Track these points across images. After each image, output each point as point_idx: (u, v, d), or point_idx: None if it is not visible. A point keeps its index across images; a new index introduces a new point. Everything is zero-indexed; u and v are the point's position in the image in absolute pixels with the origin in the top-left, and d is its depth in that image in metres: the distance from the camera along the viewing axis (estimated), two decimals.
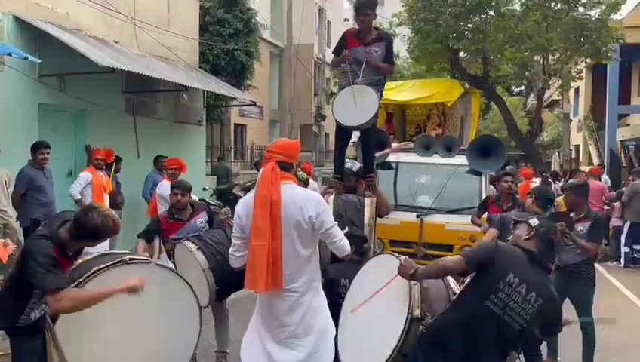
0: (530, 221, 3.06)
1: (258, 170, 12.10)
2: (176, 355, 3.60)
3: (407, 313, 3.01)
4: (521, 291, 2.79)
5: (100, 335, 3.22)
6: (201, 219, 4.67)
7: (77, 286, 3.07)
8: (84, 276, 3.13)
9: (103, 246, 5.95)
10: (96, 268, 3.18)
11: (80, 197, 6.86)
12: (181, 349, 3.63)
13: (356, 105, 4.46)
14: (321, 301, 3.22)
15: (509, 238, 3.15)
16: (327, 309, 3.25)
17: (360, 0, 4.55)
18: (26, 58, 6.28)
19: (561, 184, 11.54)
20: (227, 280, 4.16)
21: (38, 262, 2.77)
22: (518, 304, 2.79)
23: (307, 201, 3.02)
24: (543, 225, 3.02)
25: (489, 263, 2.86)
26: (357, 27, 4.73)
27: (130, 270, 3.28)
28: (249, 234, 3.04)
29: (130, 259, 3.37)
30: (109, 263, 3.24)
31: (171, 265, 4.54)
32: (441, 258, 3.20)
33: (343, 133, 4.82)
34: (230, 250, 3.24)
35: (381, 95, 4.75)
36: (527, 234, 2.99)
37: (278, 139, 3.24)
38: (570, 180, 6.05)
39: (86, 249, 3.29)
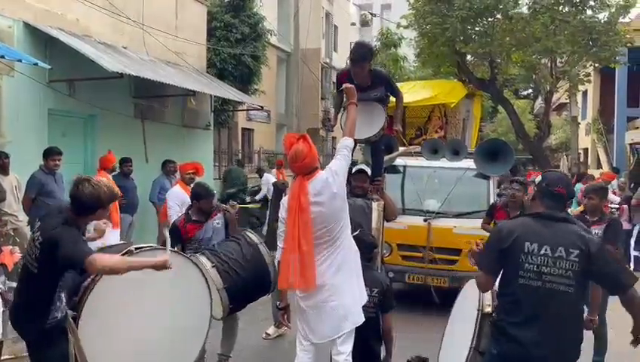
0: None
1: (261, 177, 12.20)
2: (190, 333, 3.69)
3: (478, 310, 3.05)
4: (547, 253, 2.69)
5: (119, 330, 3.28)
6: (217, 220, 4.70)
7: (89, 283, 3.11)
8: (95, 274, 3.11)
9: (115, 238, 6.03)
10: None
11: None
12: (196, 326, 3.73)
13: (364, 120, 4.44)
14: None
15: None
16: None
17: (358, 52, 4.46)
18: (36, 64, 6.34)
19: None
20: (241, 297, 4.27)
21: (67, 241, 2.78)
22: (551, 266, 2.67)
23: (327, 176, 3.29)
24: (542, 180, 2.96)
25: (500, 250, 2.78)
26: (349, 68, 4.61)
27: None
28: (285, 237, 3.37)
29: (136, 249, 3.43)
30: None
31: None
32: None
33: None
34: (278, 230, 3.62)
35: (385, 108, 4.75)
36: (532, 197, 2.96)
37: (296, 154, 3.27)
38: (590, 184, 5.95)
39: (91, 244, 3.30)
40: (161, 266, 2.97)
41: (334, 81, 24.88)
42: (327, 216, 3.23)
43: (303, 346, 3.42)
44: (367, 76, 4.53)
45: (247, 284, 4.23)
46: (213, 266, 4.13)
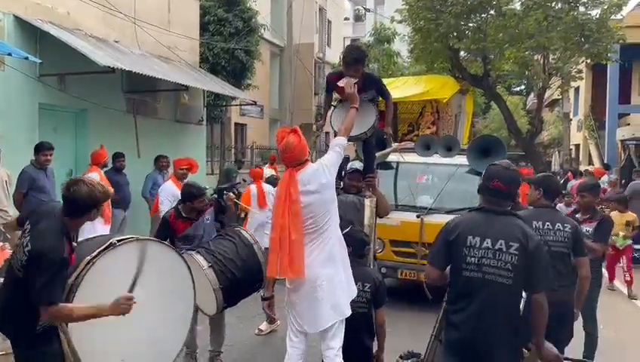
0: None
1: (239, 168, 12.16)
2: (175, 325, 3.70)
3: (444, 301, 3.17)
4: (488, 246, 2.79)
5: (108, 327, 3.25)
6: (207, 216, 4.69)
7: (75, 280, 3.07)
8: (80, 270, 3.08)
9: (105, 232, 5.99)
10: (88, 257, 3.12)
11: None
12: (181, 318, 3.73)
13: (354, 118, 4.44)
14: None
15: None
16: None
17: (352, 56, 4.41)
18: (26, 58, 6.28)
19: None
20: (234, 295, 4.35)
21: (47, 270, 2.66)
22: (491, 258, 2.78)
23: (317, 167, 3.41)
24: (483, 177, 3.01)
25: (446, 243, 2.91)
26: (340, 71, 4.56)
27: (121, 251, 3.26)
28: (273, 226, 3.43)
29: (118, 241, 3.33)
30: (99, 250, 3.18)
31: None
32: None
33: None
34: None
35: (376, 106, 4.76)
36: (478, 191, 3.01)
37: (287, 146, 3.39)
38: (584, 181, 5.97)
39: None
40: (122, 310, 2.86)
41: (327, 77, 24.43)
42: (315, 206, 3.31)
43: (292, 342, 3.46)
44: (360, 79, 4.54)
45: (241, 284, 4.31)
46: (210, 266, 4.17)
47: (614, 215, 7.19)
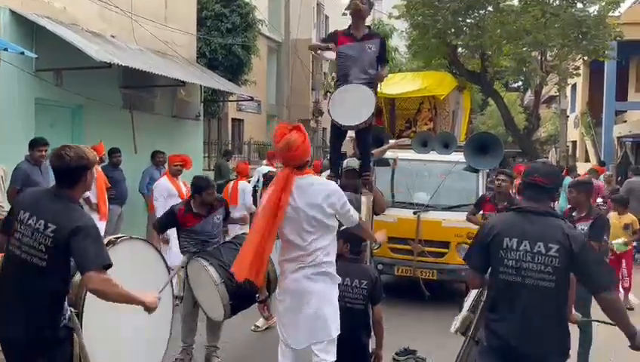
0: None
1: (228, 160, 12.13)
2: (159, 324, 3.80)
3: (480, 301, 3.19)
4: (526, 248, 2.66)
5: (107, 326, 3.31)
6: (218, 215, 4.70)
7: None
8: None
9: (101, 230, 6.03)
10: None
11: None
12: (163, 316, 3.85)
13: (353, 106, 4.46)
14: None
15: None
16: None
17: None
18: (22, 53, 6.24)
19: None
20: (241, 307, 4.47)
21: (91, 234, 2.59)
22: (530, 261, 2.65)
23: (321, 189, 3.13)
24: (522, 176, 2.95)
25: (484, 246, 2.79)
26: (347, 27, 4.77)
27: (120, 249, 3.43)
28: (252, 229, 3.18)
29: (115, 238, 3.51)
30: None
31: (175, 257, 4.84)
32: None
33: (338, 131, 4.82)
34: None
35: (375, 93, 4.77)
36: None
37: (289, 143, 3.06)
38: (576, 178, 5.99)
39: None
40: (151, 307, 2.85)
41: (325, 71, 24.65)
42: (300, 221, 3.09)
43: (282, 350, 3.31)
44: (364, 25, 4.69)
45: (249, 296, 4.40)
46: (223, 282, 4.21)
47: (612, 216, 6.99)
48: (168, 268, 3.87)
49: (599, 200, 9.51)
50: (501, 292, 2.76)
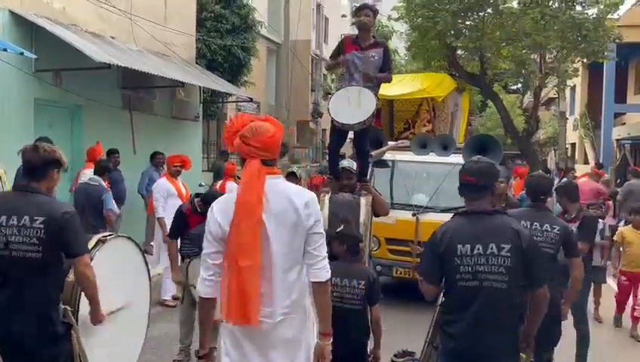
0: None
1: (225, 161, 12.09)
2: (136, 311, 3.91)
3: (437, 306, 3.13)
4: (479, 252, 2.66)
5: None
6: None
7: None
8: None
9: None
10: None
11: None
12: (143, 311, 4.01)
13: (353, 105, 4.47)
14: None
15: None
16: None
17: (363, 2, 4.75)
18: (21, 53, 6.24)
19: (556, 182, 11.57)
20: None
21: (77, 220, 2.77)
22: (485, 264, 2.65)
23: (300, 194, 2.49)
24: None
25: (438, 255, 2.75)
26: (355, 33, 4.87)
27: (109, 247, 3.56)
28: (228, 250, 2.41)
29: (104, 237, 3.61)
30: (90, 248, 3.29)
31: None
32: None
33: (338, 133, 4.83)
34: (202, 272, 2.48)
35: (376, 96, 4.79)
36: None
37: (257, 127, 2.46)
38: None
39: None
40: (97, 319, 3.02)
41: (324, 72, 24.64)
42: (273, 234, 2.43)
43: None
44: (370, 35, 4.78)
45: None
46: None
47: (627, 231, 6.29)
48: (149, 270, 3.97)
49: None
50: (459, 298, 2.75)
